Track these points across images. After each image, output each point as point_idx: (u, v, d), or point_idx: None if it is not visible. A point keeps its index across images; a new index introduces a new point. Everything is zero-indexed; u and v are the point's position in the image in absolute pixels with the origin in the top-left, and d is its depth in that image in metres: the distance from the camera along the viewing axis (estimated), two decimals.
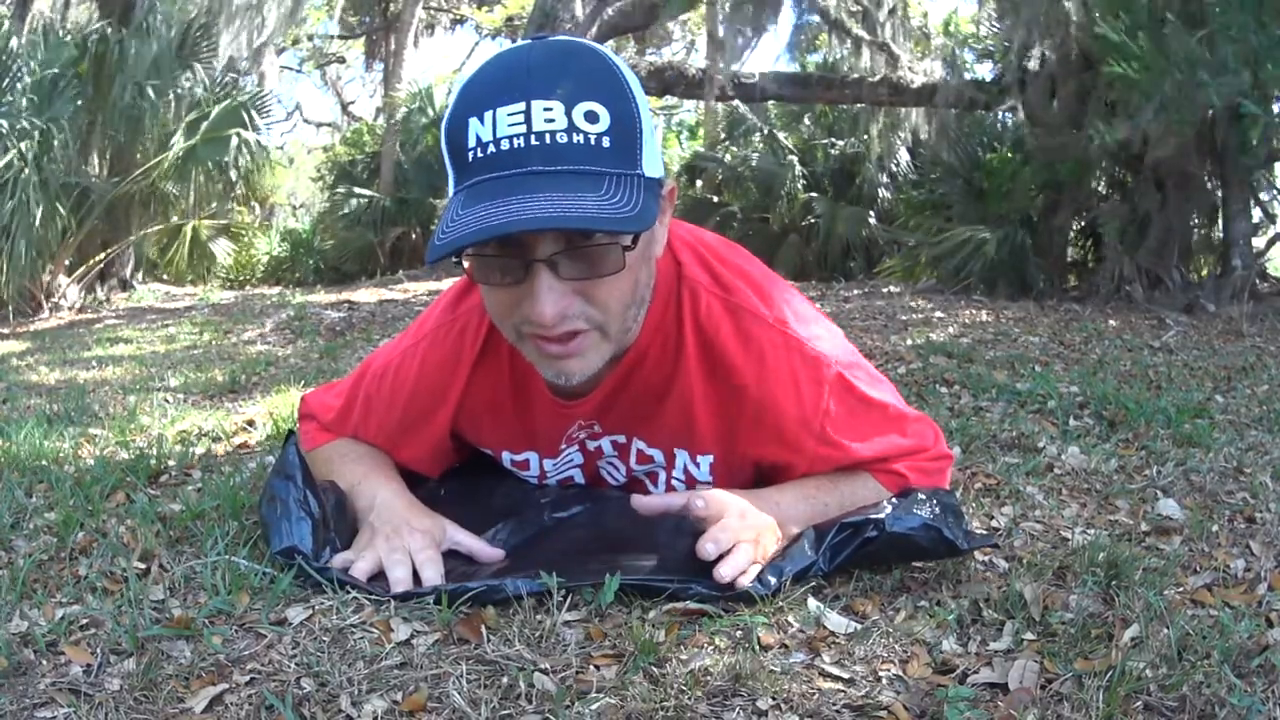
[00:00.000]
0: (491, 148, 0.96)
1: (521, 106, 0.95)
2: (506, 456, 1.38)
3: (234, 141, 7.71)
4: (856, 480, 1.29)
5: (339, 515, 1.26)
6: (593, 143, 0.96)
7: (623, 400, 1.26)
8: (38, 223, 6.39)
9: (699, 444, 1.27)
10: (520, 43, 1.06)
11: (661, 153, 1.08)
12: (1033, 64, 5.80)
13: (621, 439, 1.32)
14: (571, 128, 0.95)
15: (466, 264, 1.02)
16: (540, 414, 1.29)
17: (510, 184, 0.94)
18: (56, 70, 6.75)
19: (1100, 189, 5.93)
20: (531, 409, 1.29)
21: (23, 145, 6.39)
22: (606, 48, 1.07)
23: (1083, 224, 6.02)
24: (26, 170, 6.36)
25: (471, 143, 0.97)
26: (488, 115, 0.96)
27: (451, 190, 1.01)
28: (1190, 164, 5.05)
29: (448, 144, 1.01)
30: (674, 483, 1.33)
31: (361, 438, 1.39)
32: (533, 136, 0.95)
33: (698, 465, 1.29)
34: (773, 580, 1.14)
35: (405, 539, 1.19)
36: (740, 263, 1.25)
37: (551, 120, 0.95)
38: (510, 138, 0.95)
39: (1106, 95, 5.20)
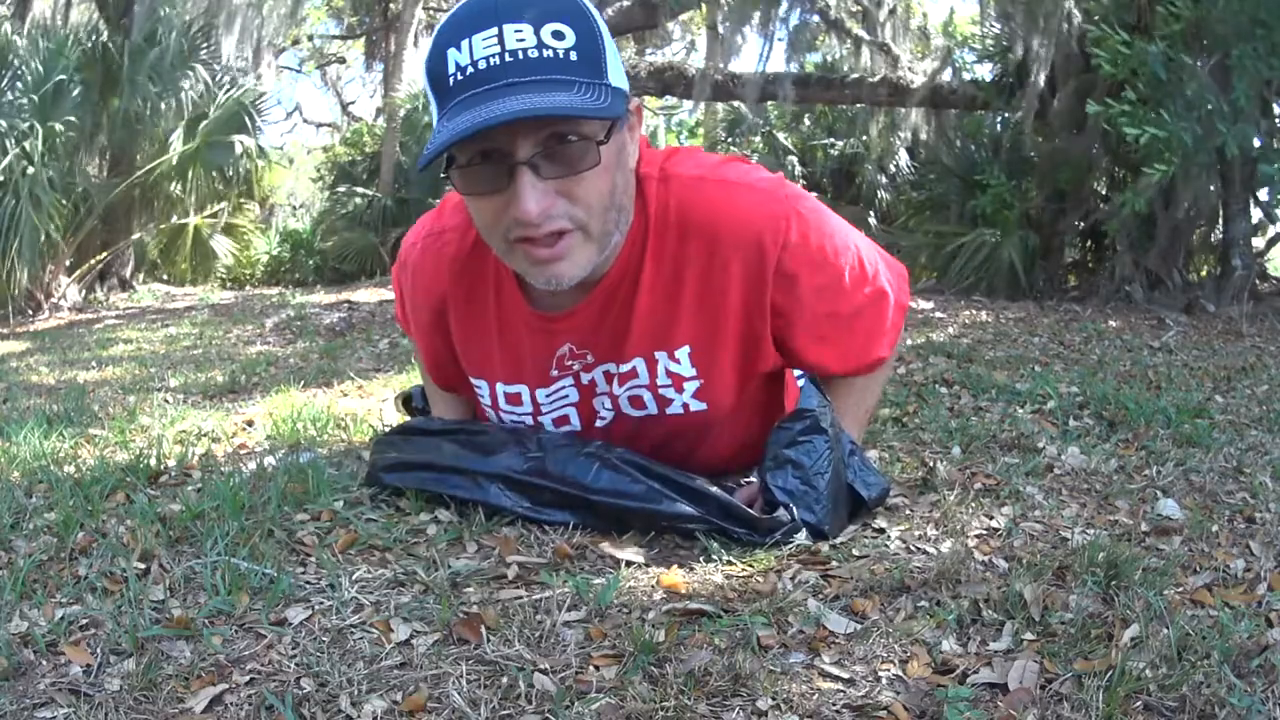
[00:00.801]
0: (470, 69, 1.05)
1: (494, 31, 1.04)
2: (500, 390, 1.41)
3: (237, 149, 7.71)
4: (853, 391, 1.46)
5: None
6: (561, 56, 1.05)
7: (608, 320, 1.30)
8: (39, 223, 6.39)
9: (676, 336, 1.31)
10: None
11: (625, 73, 1.17)
12: (1034, 63, 5.79)
13: (611, 367, 1.35)
14: (541, 45, 1.05)
15: (455, 179, 1.10)
16: (524, 334, 1.34)
17: (489, 95, 1.03)
18: (58, 72, 6.74)
19: (1101, 189, 5.93)
20: (515, 329, 1.35)
21: (25, 145, 6.39)
22: None
23: (1082, 225, 6.01)
24: (31, 170, 6.36)
25: (451, 69, 1.06)
26: (464, 43, 1.05)
27: (436, 118, 1.09)
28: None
29: (429, 78, 1.09)
30: (661, 391, 1.36)
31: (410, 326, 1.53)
32: (507, 54, 1.04)
33: (678, 361, 1.33)
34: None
35: None
36: (691, 151, 1.32)
37: (522, 39, 1.04)
38: (486, 58, 1.04)
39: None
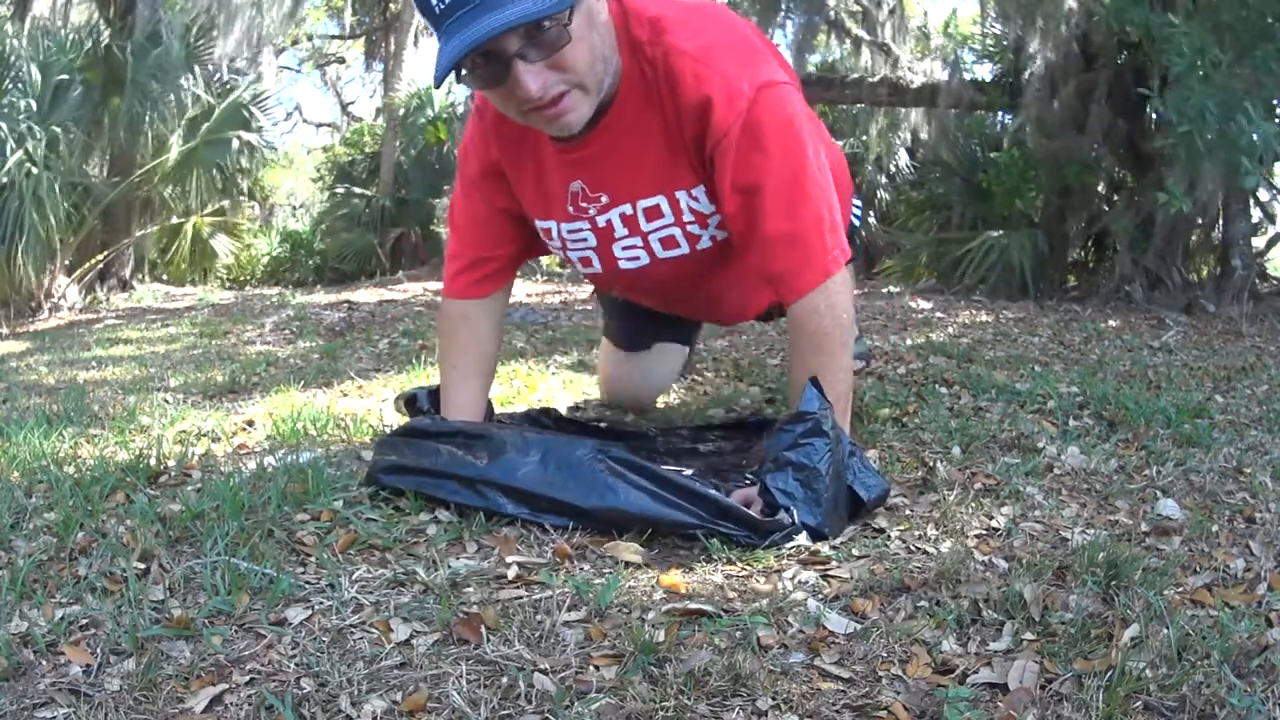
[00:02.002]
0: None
1: None
2: (541, 225, 1.66)
3: (235, 144, 7.71)
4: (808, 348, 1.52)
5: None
6: None
7: (616, 154, 1.50)
8: (41, 224, 6.39)
9: (686, 177, 1.51)
10: None
11: None
12: (1034, 64, 5.79)
13: (628, 209, 1.56)
14: None
15: (468, 81, 1.35)
16: (548, 165, 1.57)
17: (468, 17, 1.27)
18: (59, 72, 6.75)
19: (1101, 189, 5.93)
20: (548, 168, 1.58)
21: (28, 146, 6.39)
22: None
23: (1082, 225, 6.01)
24: (35, 171, 6.36)
25: (434, 1, 1.29)
26: None
27: (435, 39, 1.33)
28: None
29: (420, 9, 1.33)
30: (689, 228, 1.56)
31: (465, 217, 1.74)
32: None
33: (696, 199, 1.54)
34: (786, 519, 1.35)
35: None
36: (698, 18, 1.48)
37: None
38: None
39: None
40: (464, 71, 1.33)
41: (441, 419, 1.64)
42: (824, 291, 1.50)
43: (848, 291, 1.54)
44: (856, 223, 2.06)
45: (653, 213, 1.55)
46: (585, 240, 1.62)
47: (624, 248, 1.60)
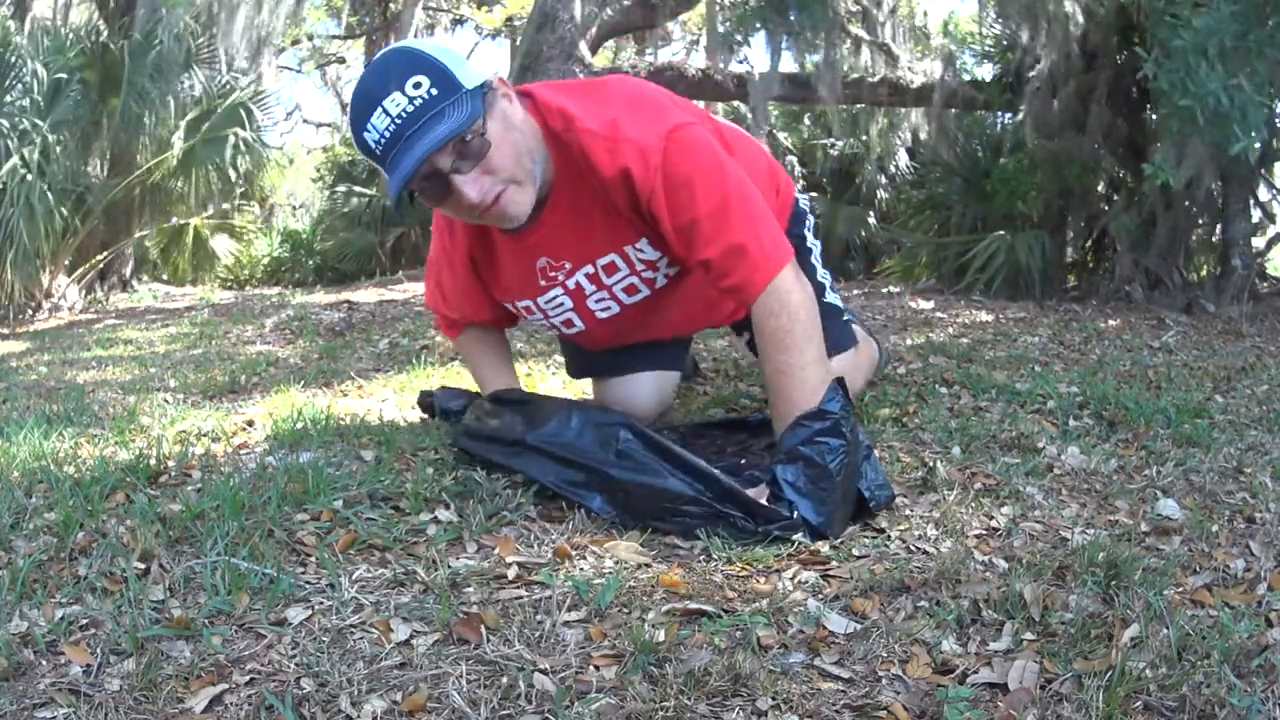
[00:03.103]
0: (381, 139, 1.46)
1: (379, 110, 1.45)
2: (520, 305, 1.84)
3: (232, 140, 7.70)
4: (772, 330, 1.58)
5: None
6: (427, 97, 1.44)
7: (565, 229, 1.67)
8: (40, 225, 6.37)
9: (629, 234, 1.67)
10: (358, 76, 1.55)
11: (470, 63, 1.53)
12: (1035, 64, 5.78)
13: (589, 269, 1.73)
14: (411, 99, 1.44)
15: (420, 201, 1.55)
16: (510, 256, 1.77)
17: (403, 149, 1.44)
18: (58, 72, 6.74)
19: (1101, 189, 5.92)
20: (503, 255, 1.78)
21: (25, 151, 6.38)
22: (422, 41, 1.54)
23: (1083, 224, 6.01)
24: (30, 175, 6.34)
25: (371, 144, 1.47)
26: (368, 125, 1.47)
27: (383, 172, 1.52)
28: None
29: (362, 151, 1.52)
30: (644, 275, 1.73)
31: (458, 317, 1.97)
32: (396, 120, 1.44)
33: (642, 250, 1.70)
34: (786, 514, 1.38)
35: None
36: (601, 99, 1.62)
37: (398, 104, 1.44)
38: (386, 129, 1.45)
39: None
40: (415, 191, 1.51)
41: (515, 391, 1.84)
42: (774, 292, 1.56)
43: (801, 287, 1.58)
44: (805, 206, 2.15)
45: (610, 268, 1.72)
46: (563, 304, 1.79)
47: (596, 301, 1.77)
